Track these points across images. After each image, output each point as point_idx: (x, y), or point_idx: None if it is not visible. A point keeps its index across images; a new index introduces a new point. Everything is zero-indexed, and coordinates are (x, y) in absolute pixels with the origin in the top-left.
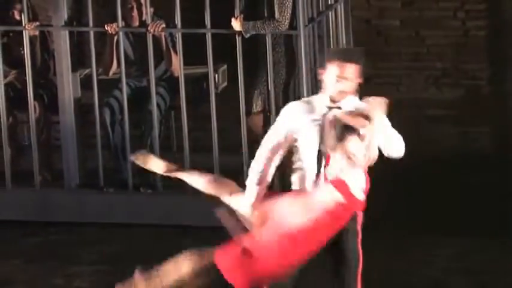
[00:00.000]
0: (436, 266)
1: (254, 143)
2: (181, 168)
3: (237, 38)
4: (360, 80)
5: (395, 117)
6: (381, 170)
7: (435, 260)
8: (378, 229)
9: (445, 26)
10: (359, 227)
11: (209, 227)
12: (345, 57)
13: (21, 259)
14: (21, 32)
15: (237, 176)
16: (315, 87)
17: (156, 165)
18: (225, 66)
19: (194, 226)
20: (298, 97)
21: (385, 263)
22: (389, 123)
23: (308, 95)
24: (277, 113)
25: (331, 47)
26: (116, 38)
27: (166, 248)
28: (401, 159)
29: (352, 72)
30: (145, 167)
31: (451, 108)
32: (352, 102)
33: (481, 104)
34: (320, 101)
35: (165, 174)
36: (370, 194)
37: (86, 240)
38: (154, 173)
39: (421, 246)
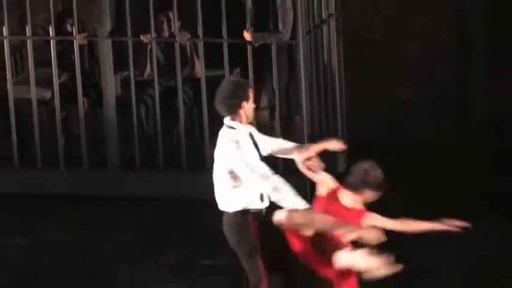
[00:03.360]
0: None
1: (261, 132)
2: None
3: (248, 46)
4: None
5: (380, 113)
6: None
7: None
8: None
9: (419, 38)
10: None
11: None
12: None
13: (75, 226)
14: (72, 42)
15: None
16: (311, 87)
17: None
18: (239, 69)
19: (213, 200)
20: (297, 95)
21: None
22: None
23: (305, 94)
24: (281, 108)
25: (325, 56)
26: (149, 46)
27: (193, 217)
28: (383, 147)
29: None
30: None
31: (424, 105)
32: None
33: (450, 101)
34: None
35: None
36: None
37: (125, 211)
38: (180, 154)
39: None
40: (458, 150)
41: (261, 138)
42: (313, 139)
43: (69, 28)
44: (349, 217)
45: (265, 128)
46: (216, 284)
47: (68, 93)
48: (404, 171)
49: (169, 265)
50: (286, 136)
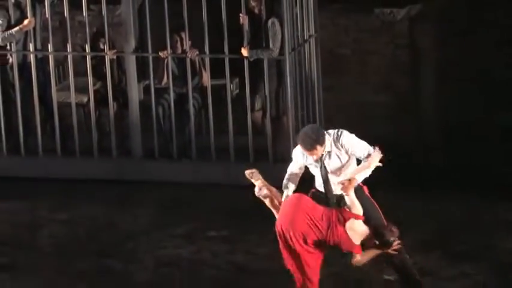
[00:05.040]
0: None
1: (254, 129)
2: (271, 186)
3: (245, 60)
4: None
5: (350, 113)
6: None
7: None
8: None
9: (381, 53)
10: None
11: (229, 185)
12: (306, 148)
13: (105, 204)
14: (104, 57)
15: (246, 145)
16: (296, 93)
17: (258, 181)
18: (237, 79)
19: (218, 184)
20: (284, 99)
21: None
22: (364, 175)
23: (291, 99)
24: (271, 110)
25: (307, 68)
26: (166, 60)
27: (201, 197)
28: None
29: (313, 153)
30: (251, 180)
31: (384, 108)
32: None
33: (404, 105)
34: None
35: (262, 186)
36: None
37: (145, 192)
38: (191, 146)
39: None
40: (411, 144)
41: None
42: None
43: (101, 46)
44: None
45: (257, 125)
46: (219, 251)
47: (100, 97)
48: None
49: (181, 236)
50: (275, 132)
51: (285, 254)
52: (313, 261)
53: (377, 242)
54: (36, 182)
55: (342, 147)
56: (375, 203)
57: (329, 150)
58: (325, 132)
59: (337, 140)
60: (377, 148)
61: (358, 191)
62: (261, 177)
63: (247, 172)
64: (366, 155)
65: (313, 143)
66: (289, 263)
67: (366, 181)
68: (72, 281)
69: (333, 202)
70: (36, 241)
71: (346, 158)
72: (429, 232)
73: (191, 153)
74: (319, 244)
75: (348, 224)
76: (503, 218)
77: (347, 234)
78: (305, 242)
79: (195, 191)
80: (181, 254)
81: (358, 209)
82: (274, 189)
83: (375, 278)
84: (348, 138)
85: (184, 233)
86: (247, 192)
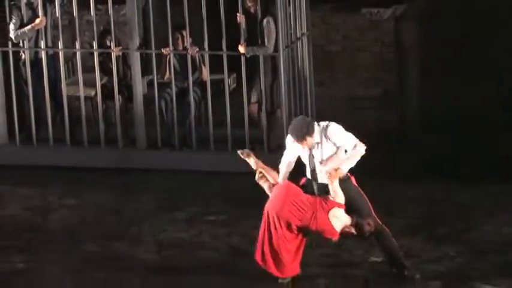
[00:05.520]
0: None
1: (251, 121)
2: (267, 166)
3: (241, 57)
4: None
5: (340, 105)
6: None
7: None
8: None
9: (369, 51)
10: None
11: (226, 172)
12: (296, 138)
13: (111, 191)
14: (110, 53)
15: (242, 136)
16: (289, 87)
17: (252, 161)
18: (235, 74)
19: (217, 172)
20: (278, 93)
21: None
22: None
23: (285, 92)
24: (266, 103)
25: (299, 64)
26: (168, 57)
27: (200, 184)
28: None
29: (302, 143)
30: (246, 160)
31: (372, 101)
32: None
33: (391, 98)
34: None
35: (256, 168)
36: None
37: (149, 180)
38: (191, 137)
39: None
40: (397, 133)
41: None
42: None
43: (108, 43)
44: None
45: (254, 118)
46: (218, 234)
47: (107, 91)
48: None
49: (182, 220)
50: (270, 124)
51: (264, 237)
52: (293, 246)
53: (355, 233)
54: (47, 170)
55: (330, 138)
56: (362, 193)
57: (318, 141)
58: (315, 123)
59: (326, 131)
60: (361, 143)
61: (345, 181)
62: (252, 154)
63: (239, 151)
64: (351, 147)
65: (303, 133)
66: (260, 250)
67: (354, 170)
68: (81, 262)
69: (319, 190)
70: (47, 224)
71: (334, 149)
72: (414, 217)
73: (191, 143)
74: (302, 229)
75: (332, 212)
76: (481, 202)
77: (330, 221)
78: (289, 227)
79: (195, 179)
80: (183, 237)
81: (340, 198)
82: (268, 168)
83: (363, 259)
84: (336, 130)
85: (185, 218)
86: (244, 179)
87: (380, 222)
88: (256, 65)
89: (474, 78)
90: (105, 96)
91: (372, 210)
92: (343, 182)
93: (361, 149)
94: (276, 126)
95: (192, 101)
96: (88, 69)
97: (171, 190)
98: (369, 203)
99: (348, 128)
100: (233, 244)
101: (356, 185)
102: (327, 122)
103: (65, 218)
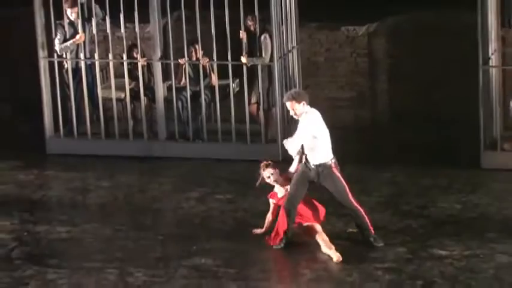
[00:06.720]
0: None
1: (251, 118)
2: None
3: (244, 66)
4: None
5: (323, 105)
6: None
7: None
8: None
9: (346, 61)
10: None
11: (232, 160)
12: (286, 97)
13: (137, 174)
14: (137, 63)
15: (244, 130)
16: (282, 90)
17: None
18: (238, 80)
19: (224, 159)
20: (273, 95)
21: None
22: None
23: (279, 95)
24: (263, 103)
25: (290, 72)
26: (184, 66)
27: (211, 170)
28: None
29: (289, 106)
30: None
31: (348, 102)
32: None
33: (364, 99)
34: None
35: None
36: None
37: (168, 166)
38: (203, 131)
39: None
40: (369, 127)
41: None
42: (283, 122)
43: (135, 55)
44: None
45: (254, 116)
46: (225, 209)
47: (134, 94)
48: (338, 141)
49: (195, 198)
50: (266, 120)
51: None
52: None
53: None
54: (85, 158)
55: (300, 120)
56: (342, 180)
57: (303, 112)
58: (306, 103)
59: (306, 113)
60: (297, 147)
61: (326, 169)
62: (271, 171)
63: (262, 164)
64: (295, 138)
65: (292, 97)
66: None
67: (336, 157)
68: (113, 232)
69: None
70: (86, 202)
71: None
72: (383, 195)
73: (203, 136)
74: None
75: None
76: (437, 183)
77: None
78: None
79: (205, 165)
80: (196, 212)
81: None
82: (281, 179)
83: (342, 230)
84: (303, 119)
85: (198, 196)
86: (246, 165)
87: (356, 204)
88: (255, 73)
89: (432, 82)
90: (133, 98)
91: (349, 192)
92: (326, 169)
93: (291, 147)
94: (271, 122)
95: (203, 101)
96: (119, 76)
97: (186, 174)
98: (346, 185)
99: (328, 123)
100: (238, 218)
101: (337, 173)
102: (312, 109)
103: (100, 196)
